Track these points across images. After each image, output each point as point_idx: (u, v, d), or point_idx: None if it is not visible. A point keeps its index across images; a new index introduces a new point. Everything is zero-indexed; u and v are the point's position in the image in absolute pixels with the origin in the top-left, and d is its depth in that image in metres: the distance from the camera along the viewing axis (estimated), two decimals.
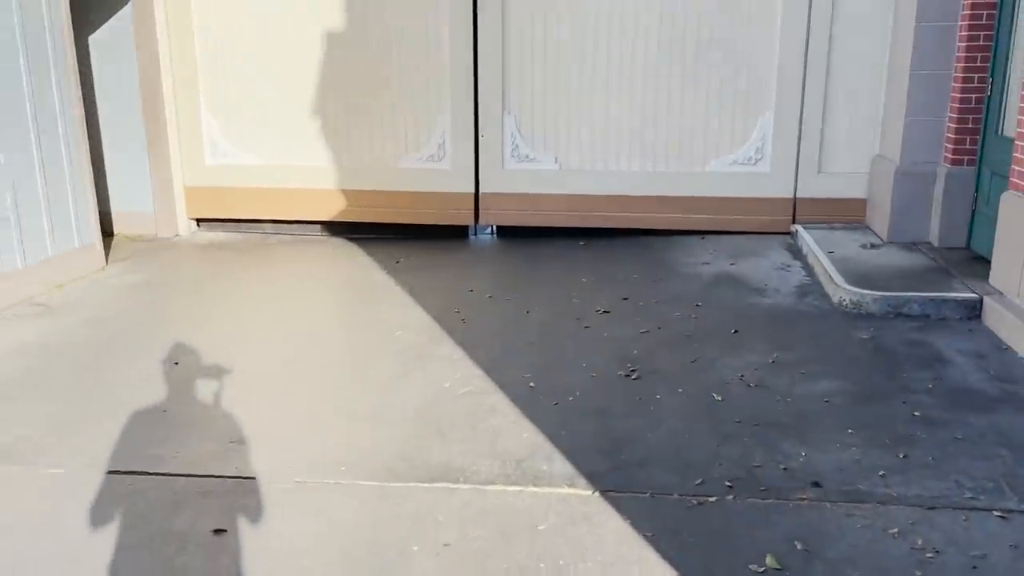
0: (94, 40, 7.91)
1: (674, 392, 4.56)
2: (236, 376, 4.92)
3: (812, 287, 6.25)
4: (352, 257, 7.52)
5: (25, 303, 6.23)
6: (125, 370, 5.03)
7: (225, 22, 7.91)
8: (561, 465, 3.82)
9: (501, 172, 7.88)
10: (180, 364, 5.09)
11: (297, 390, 4.73)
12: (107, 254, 7.51)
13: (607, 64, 7.59)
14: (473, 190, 7.93)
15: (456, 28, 7.61)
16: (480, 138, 7.81)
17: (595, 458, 3.88)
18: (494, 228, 8.13)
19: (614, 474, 3.74)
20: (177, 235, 8.27)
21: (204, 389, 4.76)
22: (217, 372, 5.00)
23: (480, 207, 7.98)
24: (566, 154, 7.83)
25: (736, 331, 5.42)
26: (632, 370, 4.84)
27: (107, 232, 8.22)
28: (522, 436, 4.11)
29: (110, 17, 7.83)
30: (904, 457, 3.80)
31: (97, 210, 7.15)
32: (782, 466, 3.76)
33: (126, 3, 7.77)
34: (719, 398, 4.46)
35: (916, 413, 4.21)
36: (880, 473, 3.67)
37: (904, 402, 4.34)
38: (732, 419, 4.22)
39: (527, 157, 7.86)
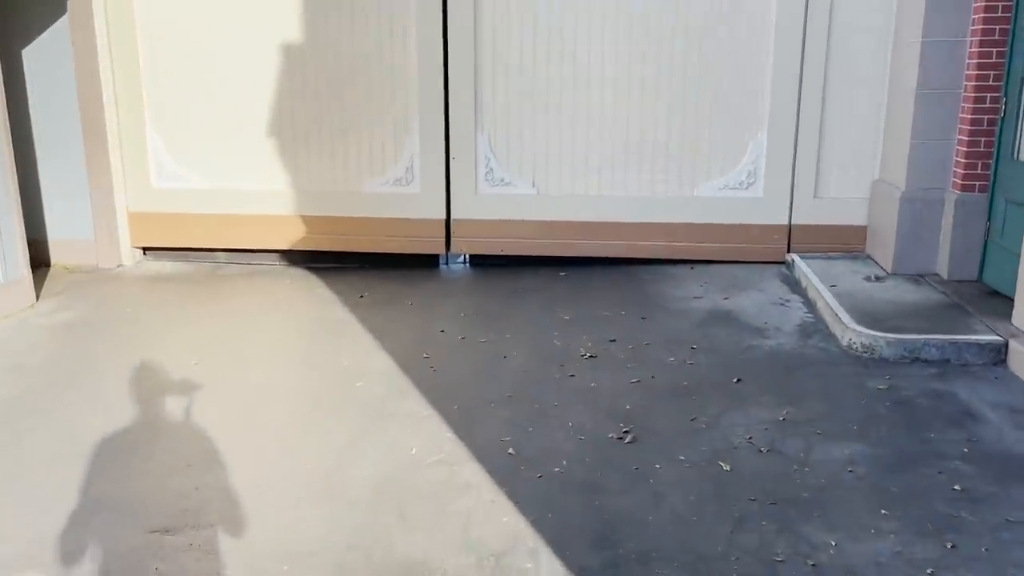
0: (28, 52, 7.20)
1: (674, 460, 3.96)
2: (171, 439, 4.25)
3: (816, 326, 5.70)
4: (311, 290, 6.86)
5: None
6: (40, 433, 4.34)
7: (173, 33, 7.24)
8: (548, 561, 3.21)
9: (474, 197, 7.27)
10: (105, 425, 4.40)
11: (240, 458, 4.07)
12: (40, 288, 6.80)
13: (588, 81, 7.03)
14: (444, 216, 7.32)
15: (425, 40, 7.00)
16: (451, 160, 7.20)
17: (587, 551, 3.27)
18: (467, 257, 7.50)
19: (611, 574, 3.13)
20: (120, 265, 7.55)
21: (132, 458, 4.08)
22: (149, 435, 4.32)
23: (452, 234, 7.36)
24: (544, 177, 7.25)
25: (739, 380, 4.84)
26: (625, 431, 4.24)
27: (43, 262, 7.52)
28: (501, 520, 3.49)
29: (46, 28, 7.13)
30: (952, 547, 3.23)
31: (26, 239, 6.42)
32: (810, 561, 3.17)
33: (63, 13, 7.08)
34: (727, 468, 3.88)
35: (956, 487, 3.65)
36: (928, 571, 3.09)
37: (940, 472, 3.79)
38: (745, 495, 3.64)
39: (502, 181, 7.27)
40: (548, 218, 7.25)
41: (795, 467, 3.87)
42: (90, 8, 7.02)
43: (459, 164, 7.19)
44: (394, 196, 7.30)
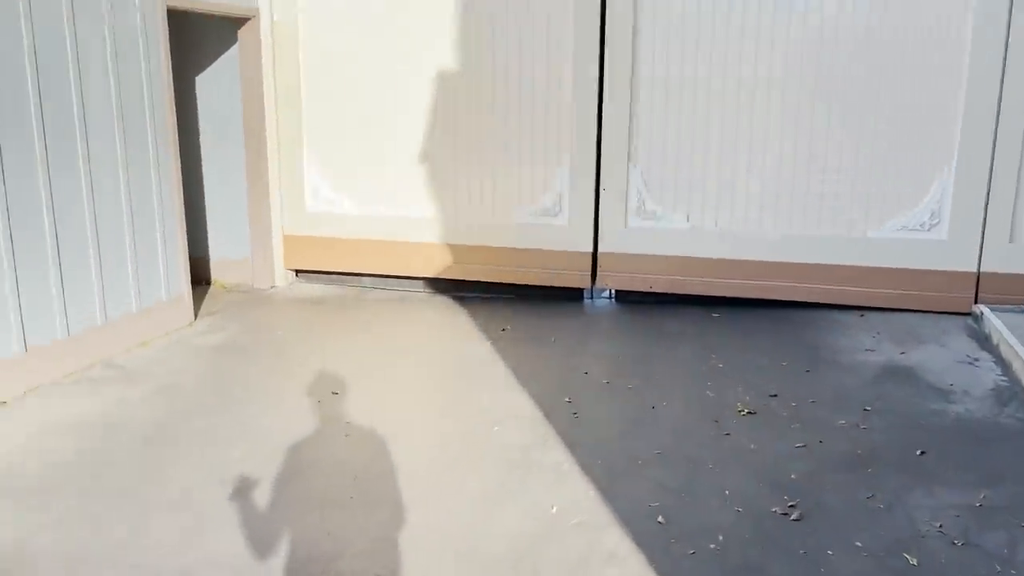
0: (200, 80, 7.55)
1: (850, 545, 3.48)
2: (307, 475, 4.17)
3: (1013, 391, 5.00)
4: (454, 320, 6.76)
5: (101, 364, 5.73)
6: (180, 464, 4.37)
7: (332, 63, 7.38)
8: None
9: (623, 230, 6.96)
10: (246, 455, 4.39)
11: (370, 506, 3.92)
12: (198, 306, 7.04)
13: (750, 110, 6.58)
14: (591, 249, 7.05)
15: (580, 69, 6.79)
16: (601, 192, 6.93)
17: None
18: (612, 292, 7.20)
19: None
20: (273, 286, 7.75)
21: (267, 493, 4.02)
22: (288, 470, 4.27)
23: (598, 268, 7.08)
24: (699, 212, 6.85)
25: (922, 452, 4.27)
26: (790, 506, 3.79)
27: (204, 280, 7.84)
28: None
29: (217, 57, 7.45)
30: None
31: (188, 259, 6.66)
32: None
33: (233, 43, 7.38)
34: (913, 561, 3.36)
35: None
36: None
37: None
38: None
39: (654, 214, 6.93)
40: (701, 255, 6.84)
41: (998, 567, 3.31)
42: (258, 38, 7.27)
43: (609, 196, 6.91)
44: (541, 227, 7.11)
